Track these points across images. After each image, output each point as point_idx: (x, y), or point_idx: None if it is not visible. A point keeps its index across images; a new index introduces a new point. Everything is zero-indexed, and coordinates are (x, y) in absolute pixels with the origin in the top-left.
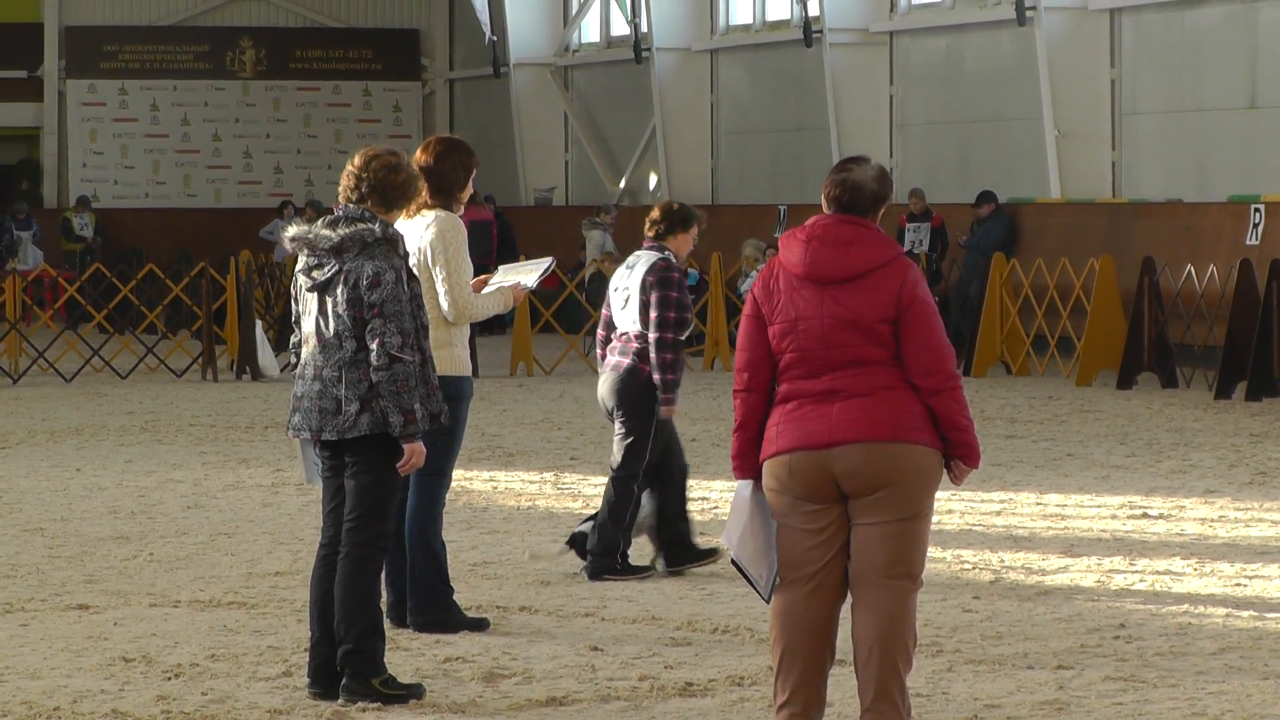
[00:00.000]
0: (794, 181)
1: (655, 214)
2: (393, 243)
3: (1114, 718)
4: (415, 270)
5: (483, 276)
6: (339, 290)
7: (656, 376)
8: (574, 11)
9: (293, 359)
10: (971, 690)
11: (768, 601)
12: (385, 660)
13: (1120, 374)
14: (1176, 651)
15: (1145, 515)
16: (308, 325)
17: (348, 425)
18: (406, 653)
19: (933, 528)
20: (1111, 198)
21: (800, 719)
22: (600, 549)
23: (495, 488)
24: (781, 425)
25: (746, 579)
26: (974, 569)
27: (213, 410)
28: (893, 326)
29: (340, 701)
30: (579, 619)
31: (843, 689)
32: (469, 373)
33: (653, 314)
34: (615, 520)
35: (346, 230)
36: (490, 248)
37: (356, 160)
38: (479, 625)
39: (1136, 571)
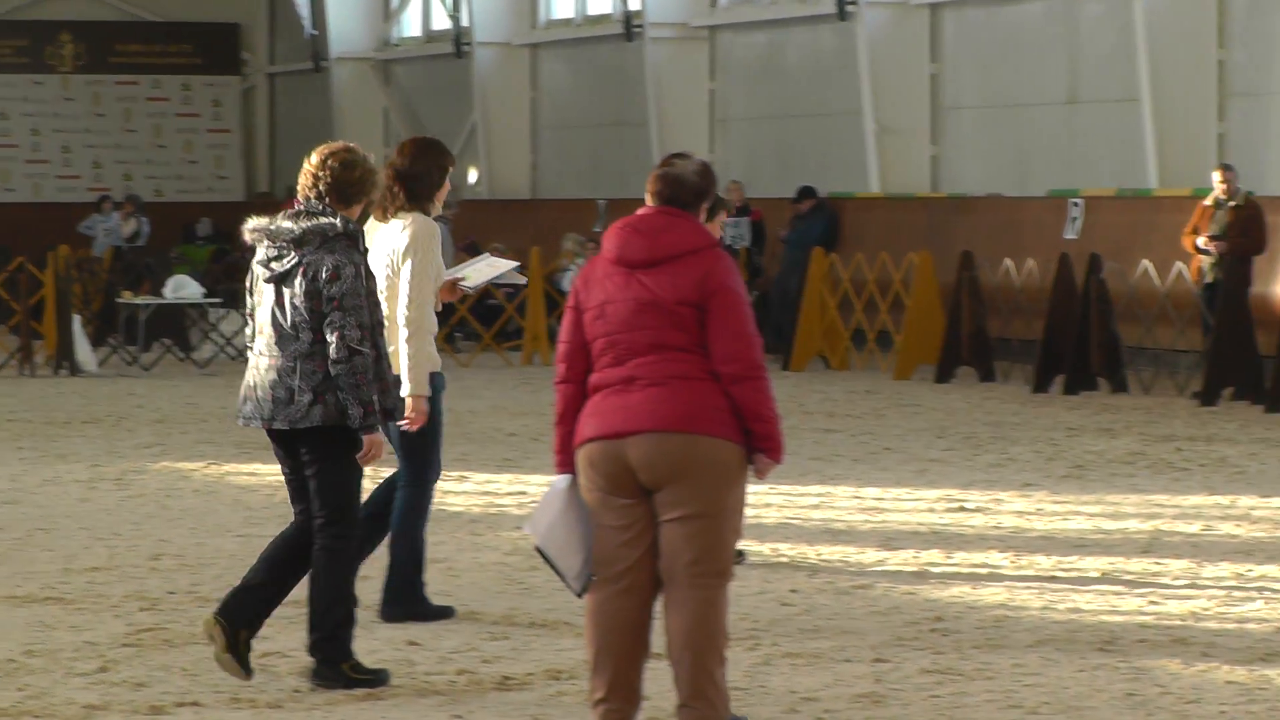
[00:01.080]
0: (615, 176)
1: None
2: (353, 238)
3: (930, 710)
4: (389, 271)
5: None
6: (297, 282)
7: None
8: (394, 5)
9: (248, 350)
10: (789, 683)
11: (579, 595)
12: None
13: (938, 368)
14: (993, 644)
15: (962, 509)
16: (263, 316)
17: (299, 415)
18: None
19: (751, 521)
20: (931, 192)
21: (616, 714)
22: None
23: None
24: (586, 416)
25: (554, 569)
26: (791, 562)
27: (30, 405)
28: (696, 311)
29: (311, 686)
30: None
31: (661, 682)
32: (439, 368)
33: None
34: None
35: (308, 224)
36: None
37: (314, 158)
38: (446, 614)
39: (953, 564)
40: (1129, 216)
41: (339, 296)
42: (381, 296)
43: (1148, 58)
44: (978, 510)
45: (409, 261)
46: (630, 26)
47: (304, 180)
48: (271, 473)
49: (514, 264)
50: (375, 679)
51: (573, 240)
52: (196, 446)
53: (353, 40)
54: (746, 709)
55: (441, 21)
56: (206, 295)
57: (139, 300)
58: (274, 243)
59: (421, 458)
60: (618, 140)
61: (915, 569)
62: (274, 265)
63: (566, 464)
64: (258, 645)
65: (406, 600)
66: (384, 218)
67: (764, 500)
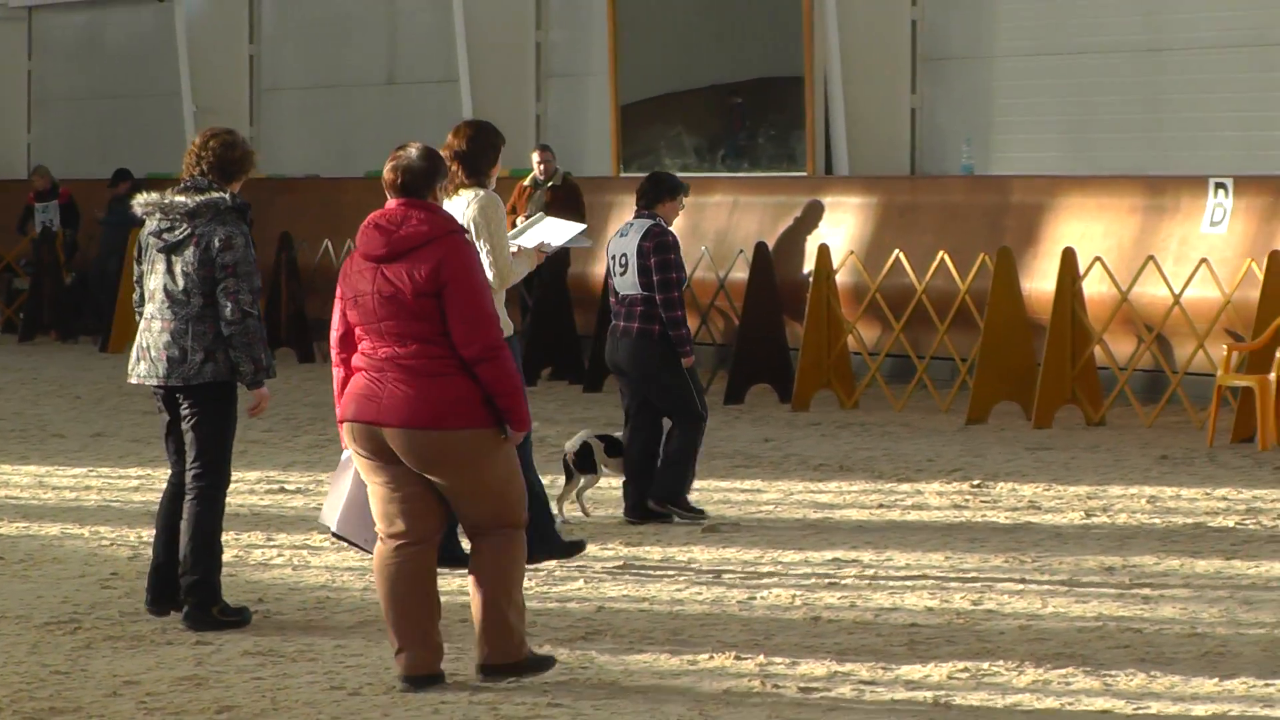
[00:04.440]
0: None
1: (644, 184)
2: (241, 211)
3: (253, 691)
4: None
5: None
6: (189, 251)
7: (671, 333)
8: None
9: (137, 315)
10: (110, 667)
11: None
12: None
13: None
14: (315, 625)
15: (283, 490)
16: (154, 283)
17: (193, 373)
18: None
19: (70, 504)
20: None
21: (418, 661)
22: (670, 481)
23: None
24: (349, 395)
25: (351, 545)
26: (113, 545)
27: None
28: (434, 300)
29: (183, 627)
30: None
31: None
32: (513, 333)
33: (656, 278)
34: (685, 456)
35: (201, 198)
36: None
37: (197, 140)
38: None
39: (275, 546)
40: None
41: (232, 264)
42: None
43: (466, 39)
44: (298, 492)
45: (485, 236)
46: None
47: (187, 159)
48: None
49: (581, 226)
50: (239, 618)
51: None
52: None
53: None
54: (68, 694)
55: None
56: None
57: None
58: (166, 216)
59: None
60: None
61: (238, 551)
62: (166, 236)
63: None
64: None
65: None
66: (448, 195)
67: (84, 484)
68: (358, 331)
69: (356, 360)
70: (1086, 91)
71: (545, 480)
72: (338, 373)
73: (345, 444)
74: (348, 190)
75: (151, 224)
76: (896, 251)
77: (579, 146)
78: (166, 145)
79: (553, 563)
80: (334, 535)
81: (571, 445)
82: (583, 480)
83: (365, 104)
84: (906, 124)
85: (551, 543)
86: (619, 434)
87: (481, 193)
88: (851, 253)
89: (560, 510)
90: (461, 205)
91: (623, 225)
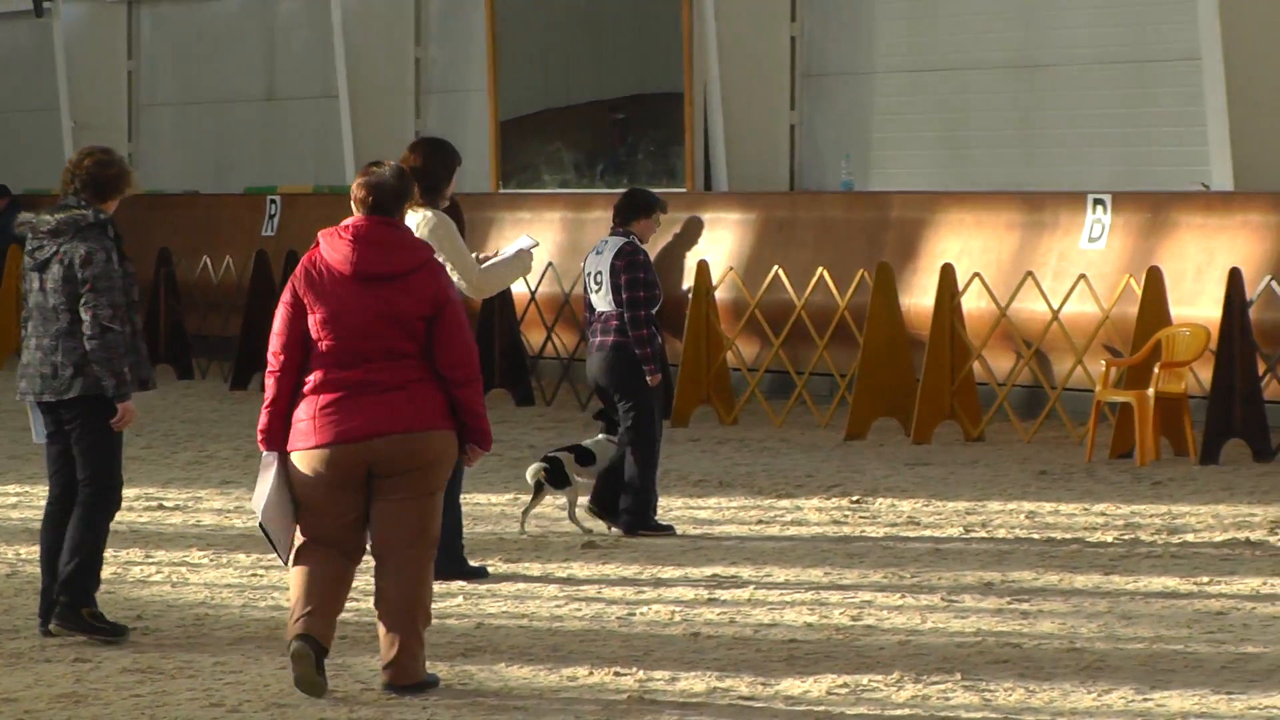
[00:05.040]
0: None
1: (620, 201)
2: (103, 226)
3: (132, 708)
4: None
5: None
6: (55, 268)
7: (637, 351)
8: None
9: (23, 332)
10: None
11: (286, 564)
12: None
13: None
14: (194, 641)
15: (161, 507)
16: (32, 300)
17: (63, 388)
18: None
19: None
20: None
21: (308, 651)
22: (635, 508)
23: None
24: (319, 419)
25: (271, 543)
26: None
27: None
28: (426, 323)
29: (53, 625)
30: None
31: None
32: None
33: (624, 295)
34: (645, 480)
35: (63, 215)
36: None
37: (73, 157)
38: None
39: (154, 563)
40: (327, 212)
41: (91, 279)
42: None
43: (345, 55)
44: (177, 508)
45: (445, 252)
46: None
47: (63, 177)
48: None
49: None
50: (112, 631)
51: None
52: None
53: None
54: None
55: None
56: None
57: None
58: (35, 235)
59: None
60: None
61: (116, 568)
62: (36, 254)
63: (274, 443)
64: None
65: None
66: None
67: None
68: (323, 345)
69: (320, 378)
70: (965, 107)
71: (509, 497)
72: (279, 378)
73: (268, 450)
74: (226, 206)
75: (28, 243)
76: (776, 268)
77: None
78: (44, 160)
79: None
80: (260, 526)
81: (535, 467)
82: (563, 497)
83: (244, 120)
84: (786, 140)
85: (461, 565)
86: (588, 442)
87: (429, 213)
88: (731, 269)
89: (522, 526)
90: (411, 225)
91: (598, 242)
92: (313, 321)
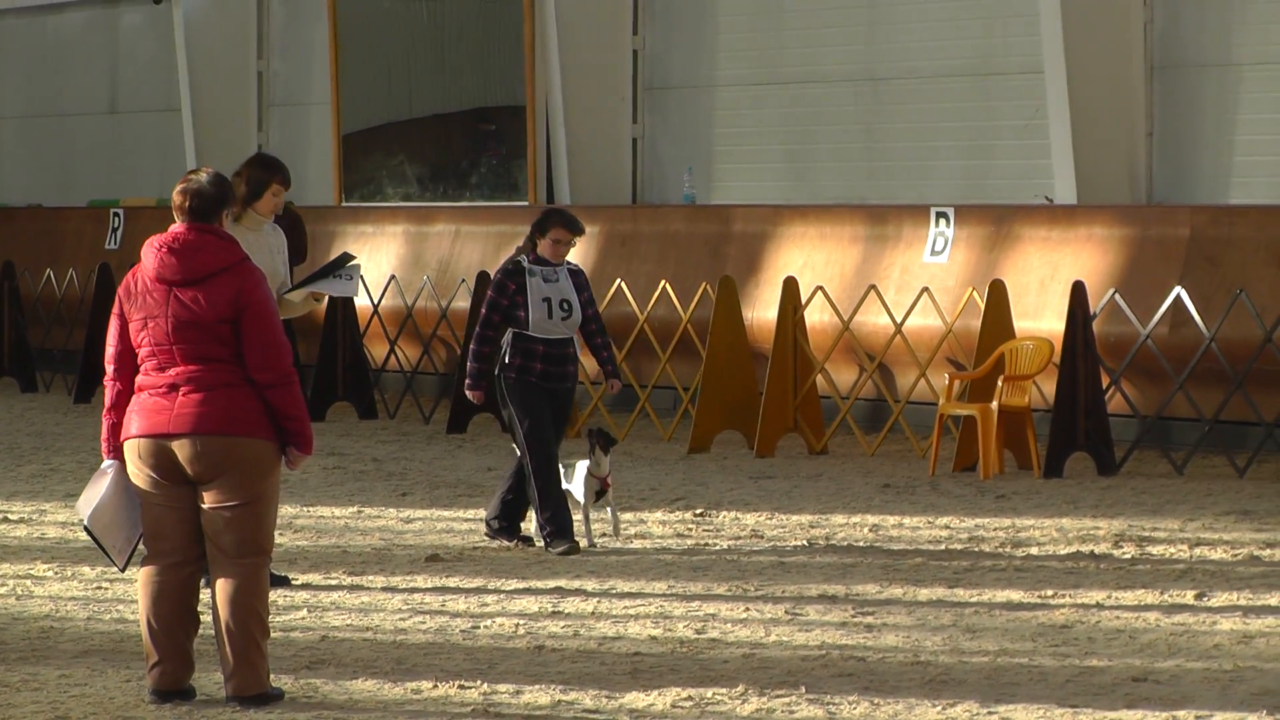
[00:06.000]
0: None
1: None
2: None
3: None
4: None
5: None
6: None
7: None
8: None
9: None
10: None
11: (122, 570)
12: None
13: None
14: (39, 654)
15: (6, 520)
16: None
17: None
18: None
19: None
20: None
21: (170, 676)
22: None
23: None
24: (134, 413)
25: (99, 546)
26: None
27: None
28: (232, 326)
29: None
30: None
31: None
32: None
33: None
34: (536, 498)
35: None
36: None
37: None
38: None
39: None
40: (170, 225)
41: None
42: None
43: (188, 68)
44: (21, 521)
45: None
46: None
47: None
48: None
49: (353, 283)
50: None
51: None
52: None
53: None
54: None
55: None
56: None
57: None
58: None
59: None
60: None
61: None
62: None
63: (113, 451)
64: None
65: None
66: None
67: None
68: (143, 352)
69: (141, 380)
70: (807, 121)
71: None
72: (113, 387)
73: (110, 457)
74: (70, 219)
75: None
76: (618, 281)
77: (301, 176)
78: None
79: (276, 592)
80: (85, 530)
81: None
82: (606, 465)
83: (87, 133)
84: (628, 153)
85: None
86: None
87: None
88: None
89: (588, 531)
90: (241, 233)
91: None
92: (132, 329)
